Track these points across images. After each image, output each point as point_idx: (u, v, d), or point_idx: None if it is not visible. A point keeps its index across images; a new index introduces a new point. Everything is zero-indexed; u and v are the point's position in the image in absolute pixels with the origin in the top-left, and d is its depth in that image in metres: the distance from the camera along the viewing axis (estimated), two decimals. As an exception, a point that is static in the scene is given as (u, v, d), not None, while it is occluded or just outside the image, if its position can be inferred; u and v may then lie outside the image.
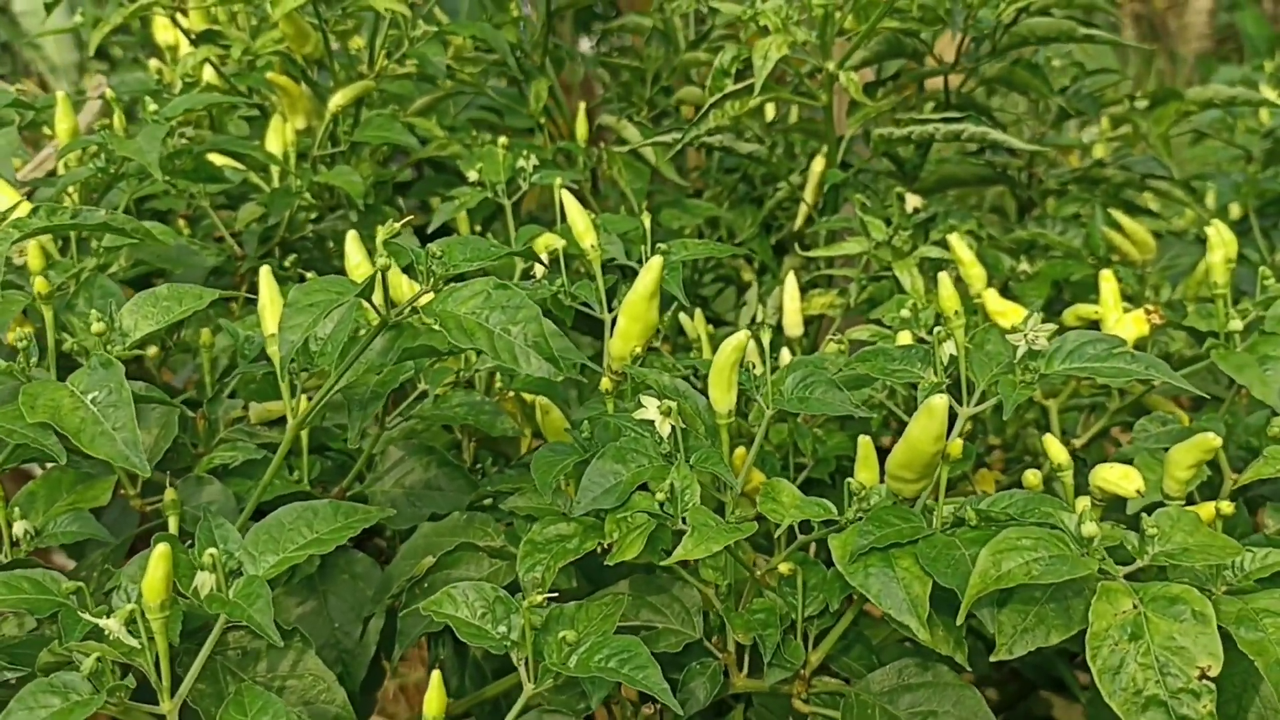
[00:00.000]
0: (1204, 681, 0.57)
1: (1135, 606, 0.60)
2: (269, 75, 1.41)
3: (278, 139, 1.41)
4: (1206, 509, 0.73)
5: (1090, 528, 0.62)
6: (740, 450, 0.88)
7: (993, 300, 1.04)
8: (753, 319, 1.33)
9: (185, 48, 1.52)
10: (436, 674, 0.66)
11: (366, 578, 1.03)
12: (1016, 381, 0.75)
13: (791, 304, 1.23)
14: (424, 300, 0.72)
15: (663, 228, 1.60)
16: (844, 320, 1.30)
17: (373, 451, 1.07)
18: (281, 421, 1.08)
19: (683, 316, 1.28)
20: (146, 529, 1.02)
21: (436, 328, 0.71)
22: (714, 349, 1.25)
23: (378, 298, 0.73)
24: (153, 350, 1.27)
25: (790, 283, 1.23)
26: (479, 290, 0.71)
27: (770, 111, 1.61)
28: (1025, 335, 0.75)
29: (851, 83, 1.19)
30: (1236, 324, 0.91)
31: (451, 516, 0.96)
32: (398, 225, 0.73)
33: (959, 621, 0.63)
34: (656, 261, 0.91)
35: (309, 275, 0.88)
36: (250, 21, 1.55)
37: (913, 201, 1.30)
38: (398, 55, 1.46)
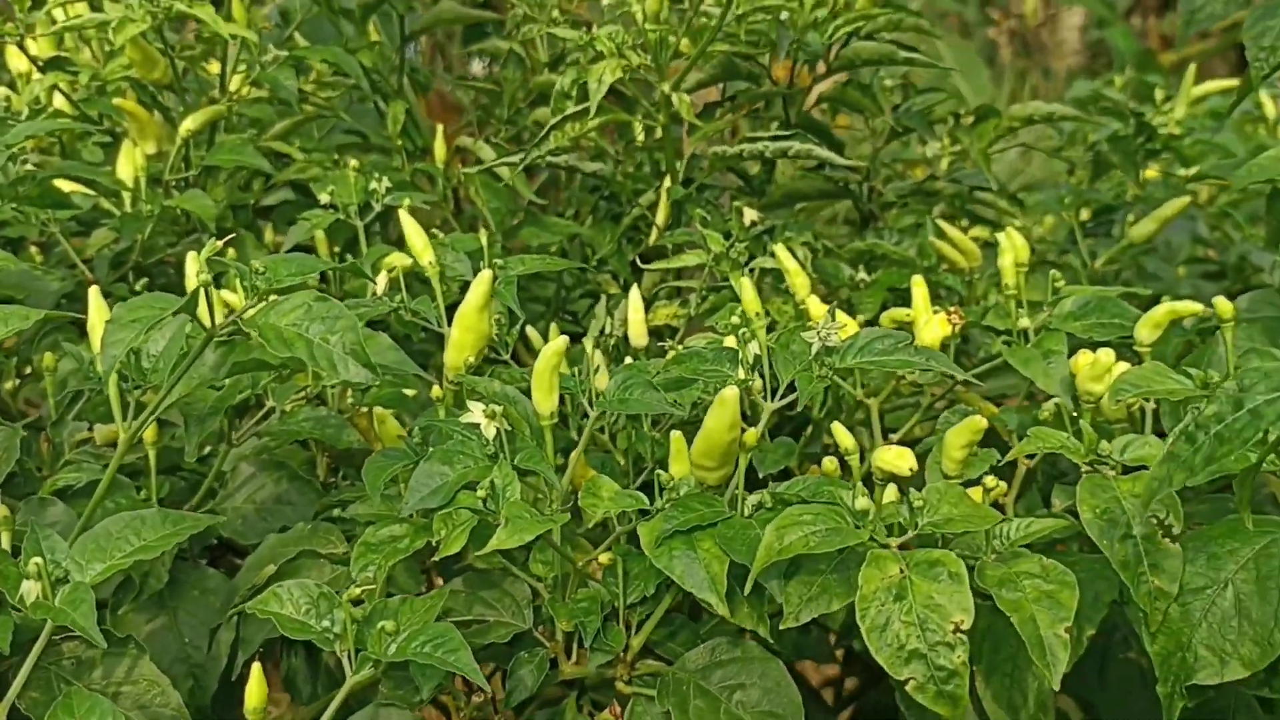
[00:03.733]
0: (958, 634, 0.64)
1: (901, 571, 0.66)
2: (116, 101, 1.42)
3: (128, 164, 1.42)
4: (977, 489, 0.80)
5: (862, 502, 0.69)
6: (577, 454, 0.93)
7: (814, 306, 1.11)
8: (601, 330, 1.38)
9: (17, 66, 1.51)
10: (256, 665, 0.69)
11: (218, 592, 1.04)
12: (814, 376, 0.81)
13: (635, 315, 1.28)
14: (249, 314, 0.76)
15: (524, 245, 1.64)
16: (688, 329, 1.36)
17: (223, 469, 1.09)
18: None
19: (530, 330, 1.32)
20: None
21: (259, 339, 0.74)
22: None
23: (204, 314, 0.76)
24: (8, 384, 1.28)
25: (634, 295, 1.28)
26: (299, 303, 0.74)
27: (640, 130, 1.67)
28: (820, 333, 0.81)
29: (684, 104, 1.26)
30: (1025, 322, 0.99)
31: (296, 527, 0.99)
32: (219, 244, 0.76)
33: (746, 590, 0.69)
34: (486, 275, 0.95)
35: (95, 289, 0.89)
36: (102, 48, 1.56)
37: (750, 215, 1.36)
38: (249, 80, 1.48)
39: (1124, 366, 0.89)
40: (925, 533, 0.70)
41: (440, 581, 0.94)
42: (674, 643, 0.86)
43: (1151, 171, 1.80)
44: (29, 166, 1.28)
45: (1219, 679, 0.67)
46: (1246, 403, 0.55)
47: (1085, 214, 1.71)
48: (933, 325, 1.04)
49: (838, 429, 0.80)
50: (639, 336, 1.29)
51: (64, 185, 1.39)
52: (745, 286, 1.25)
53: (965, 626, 0.64)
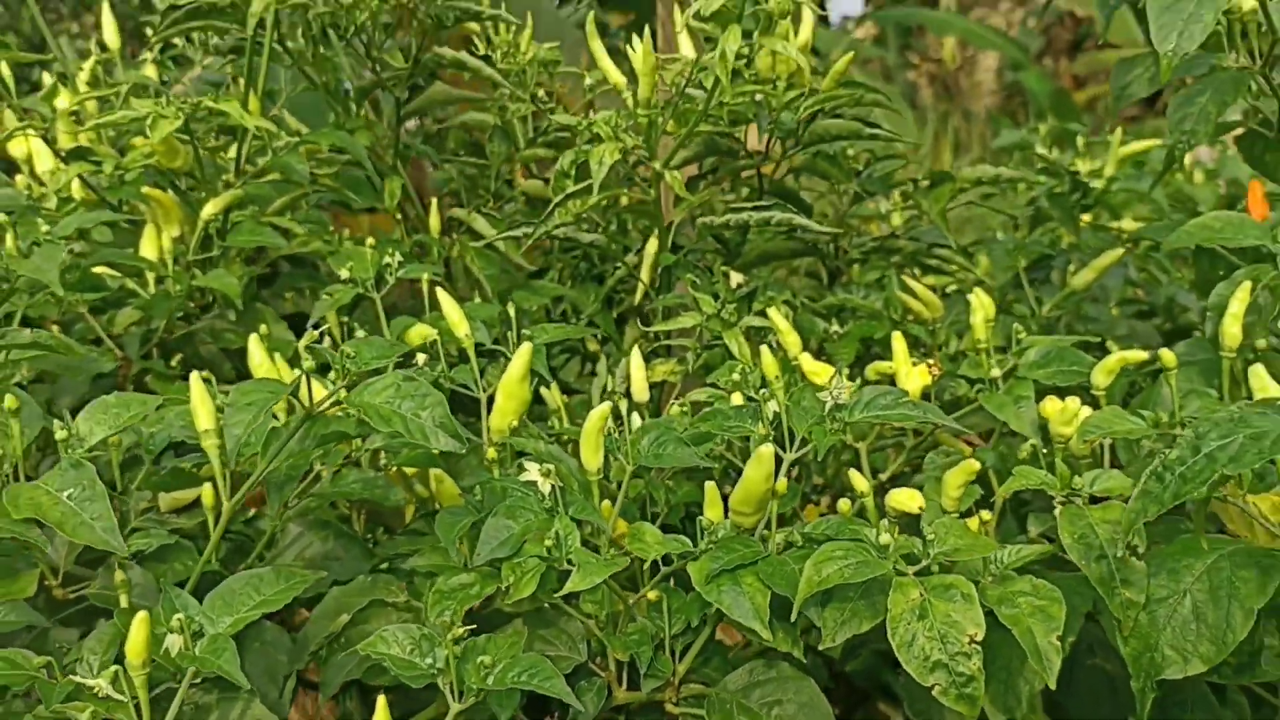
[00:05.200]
0: (973, 645, 0.77)
1: (921, 595, 0.79)
2: (145, 190, 1.52)
3: (153, 246, 1.52)
4: (974, 520, 0.93)
5: (885, 538, 0.81)
6: (606, 503, 1.05)
7: (807, 363, 1.24)
8: (604, 388, 1.50)
9: (42, 161, 1.60)
10: (381, 698, 0.80)
11: (275, 644, 1.14)
12: (827, 430, 0.94)
13: (638, 373, 1.40)
14: (342, 393, 0.87)
15: (515, 307, 1.76)
16: (684, 384, 1.49)
17: (274, 531, 1.19)
18: (190, 508, 1.19)
19: (541, 388, 1.44)
20: (64, 615, 1.12)
21: (352, 414, 0.85)
22: (570, 417, 1.42)
23: (301, 394, 0.87)
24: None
25: (635, 354, 1.41)
26: (390, 383, 0.86)
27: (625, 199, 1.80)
28: (831, 392, 0.94)
29: (675, 180, 1.39)
30: (996, 372, 1.13)
31: (357, 580, 1.09)
32: (315, 334, 0.87)
33: (793, 619, 0.81)
34: (526, 348, 1.07)
35: (196, 374, 1.00)
36: (119, 138, 1.66)
37: (736, 278, 1.50)
38: (262, 164, 1.59)
39: (1086, 410, 1.03)
40: (936, 560, 0.83)
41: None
42: (708, 668, 0.98)
43: (1084, 219, 1.98)
44: (72, 254, 1.38)
45: (1183, 673, 0.80)
46: (1203, 448, 0.69)
47: (1024, 261, 1.87)
48: (914, 376, 1.18)
49: (854, 475, 0.93)
50: (641, 392, 1.41)
51: (96, 269, 1.49)
52: (741, 344, 1.38)
53: (979, 638, 0.77)
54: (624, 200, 1.51)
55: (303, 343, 0.86)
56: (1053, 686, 0.79)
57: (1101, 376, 1.07)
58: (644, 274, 1.61)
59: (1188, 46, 0.99)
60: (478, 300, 1.77)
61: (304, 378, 0.84)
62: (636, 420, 1.26)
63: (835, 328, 1.60)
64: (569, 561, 0.89)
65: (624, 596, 0.94)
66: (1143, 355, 1.10)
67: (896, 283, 1.62)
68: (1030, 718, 0.91)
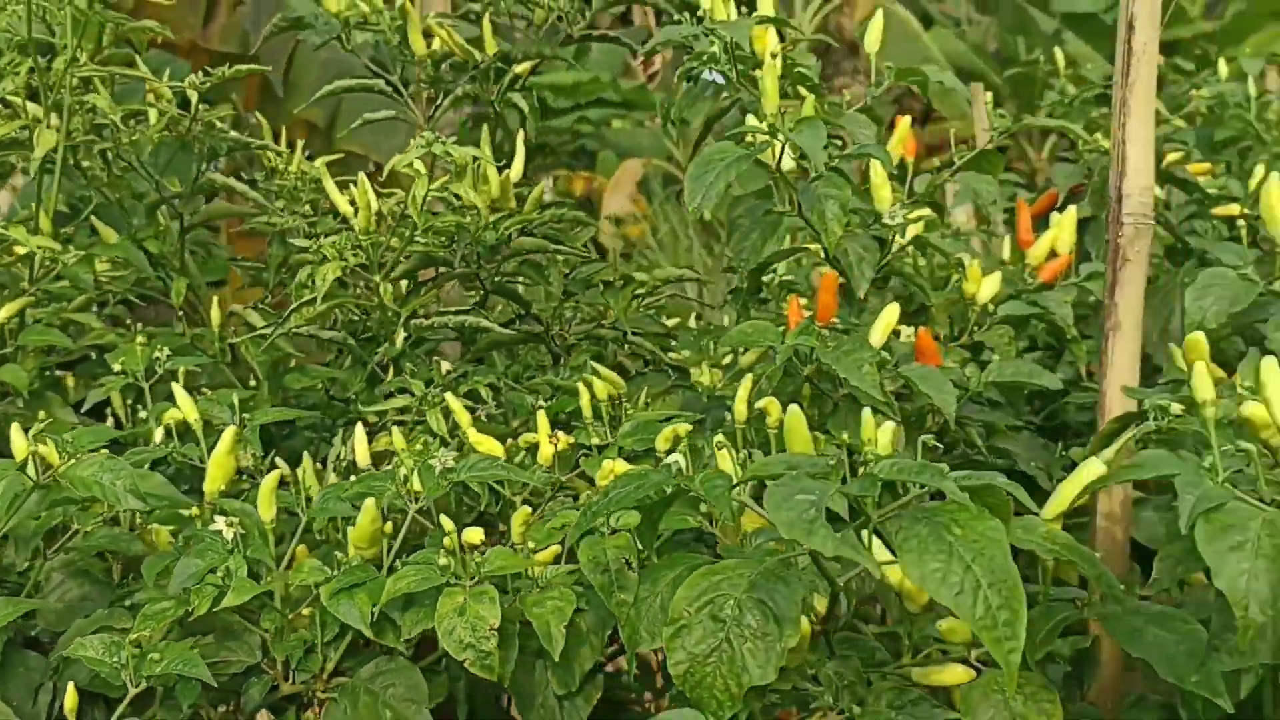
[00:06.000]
0: (492, 631, 1.12)
1: (464, 599, 1.15)
2: (-53, 298, 1.81)
3: (-46, 345, 1.81)
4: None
5: (444, 560, 1.17)
6: (302, 547, 1.38)
7: (472, 435, 1.60)
8: (337, 456, 1.84)
9: None
10: (70, 684, 1.11)
11: (37, 669, 1.44)
12: (438, 486, 1.30)
13: (360, 445, 1.74)
14: (61, 470, 1.19)
15: (289, 390, 2.10)
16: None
17: (39, 578, 1.50)
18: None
19: (279, 460, 1.77)
20: None
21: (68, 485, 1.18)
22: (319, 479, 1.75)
23: (33, 469, 1.19)
24: None
25: (358, 429, 1.75)
26: (98, 460, 1.19)
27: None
28: (440, 458, 1.30)
29: (387, 292, 1.75)
30: (596, 440, 1.51)
31: (96, 614, 1.40)
32: (41, 425, 1.19)
33: (369, 615, 1.16)
34: (230, 431, 1.41)
35: None
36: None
37: (445, 365, 1.86)
38: (53, 274, 1.90)
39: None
40: (484, 576, 1.18)
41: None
42: (352, 663, 1.32)
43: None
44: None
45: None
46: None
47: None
48: (546, 445, 1.55)
49: (446, 521, 1.28)
50: (363, 458, 1.76)
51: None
52: (439, 420, 1.74)
53: (496, 626, 1.13)
54: (351, 304, 1.86)
55: (34, 430, 1.18)
56: (556, 657, 1.15)
57: (661, 443, 1.45)
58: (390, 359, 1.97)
59: (707, 205, 1.39)
60: (252, 381, 2.11)
61: (31, 457, 1.17)
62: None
63: (541, 403, 1.97)
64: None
65: (284, 612, 1.28)
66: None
67: (588, 368, 2.00)
68: (588, 690, 1.28)
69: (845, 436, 0.96)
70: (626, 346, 2.25)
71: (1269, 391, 1.03)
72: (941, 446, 1.50)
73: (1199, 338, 1.10)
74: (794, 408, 1.05)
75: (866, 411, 1.09)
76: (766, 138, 1.43)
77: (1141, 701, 1.27)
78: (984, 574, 0.87)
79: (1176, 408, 1.08)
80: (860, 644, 1.30)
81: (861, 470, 0.92)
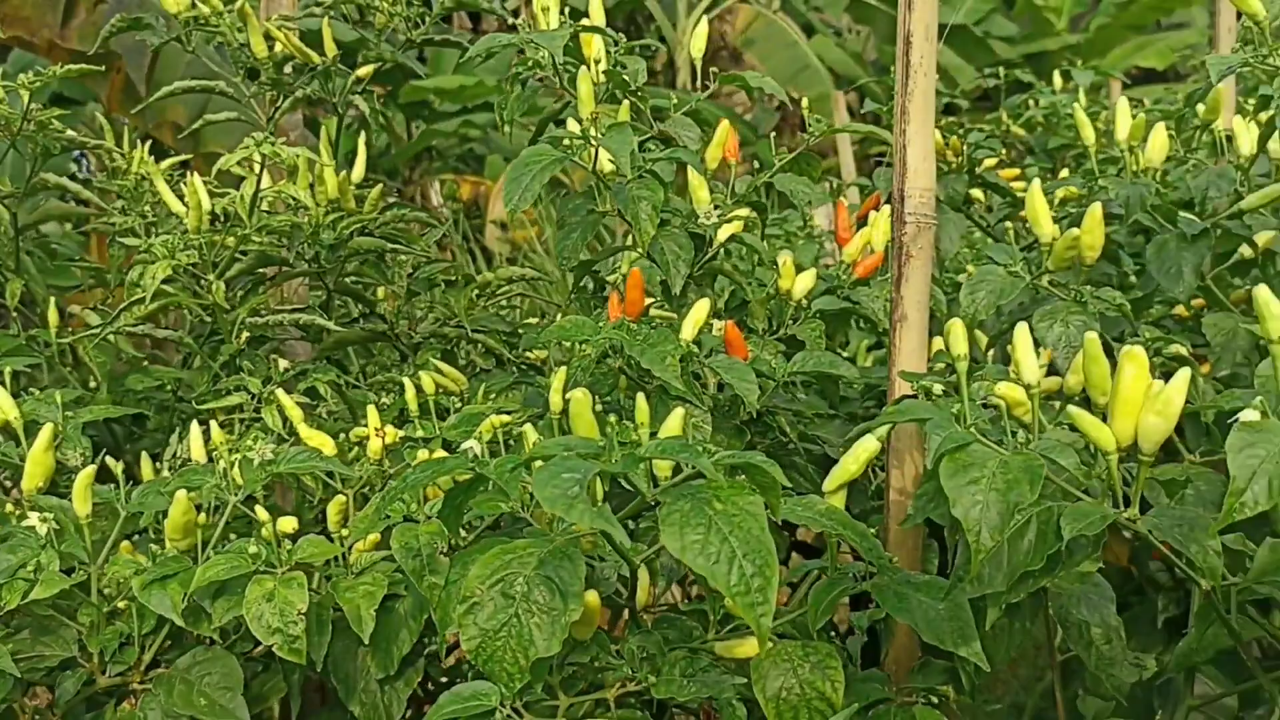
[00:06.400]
0: (300, 615, 1.16)
1: (274, 585, 1.18)
2: None
3: None
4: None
5: (254, 549, 1.21)
6: (127, 543, 1.40)
7: (303, 430, 1.63)
8: (174, 454, 1.84)
9: None
10: None
11: None
12: (257, 479, 1.33)
13: (196, 441, 1.76)
14: None
15: (133, 390, 2.10)
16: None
17: None
18: None
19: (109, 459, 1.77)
20: None
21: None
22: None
23: None
24: None
25: (194, 427, 1.76)
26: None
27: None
28: (258, 450, 1.33)
29: (219, 290, 1.77)
30: (421, 433, 1.55)
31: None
32: None
33: (180, 605, 1.19)
34: (48, 429, 1.42)
35: None
36: None
37: (283, 364, 1.88)
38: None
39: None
40: (294, 562, 1.22)
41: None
42: (176, 654, 1.34)
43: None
44: None
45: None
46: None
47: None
48: (375, 439, 1.59)
49: (260, 512, 1.32)
50: (198, 455, 1.77)
51: None
52: (274, 417, 1.76)
53: (304, 611, 1.16)
54: (183, 303, 1.87)
55: None
56: (365, 640, 1.19)
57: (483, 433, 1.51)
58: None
59: (524, 205, 1.45)
60: (93, 382, 2.10)
61: None
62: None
63: (384, 400, 2.00)
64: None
65: (99, 605, 1.29)
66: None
67: (431, 366, 2.04)
68: (408, 673, 1.32)
69: (616, 421, 1.03)
70: (476, 345, 2.31)
71: (1019, 353, 1.13)
72: (750, 433, 1.60)
73: (957, 323, 1.19)
74: (577, 393, 1.11)
75: (680, 408, 1.18)
76: (581, 141, 1.49)
77: (926, 665, 1.37)
78: (740, 545, 0.95)
79: (938, 388, 1.18)
80: (678, 621, 1.38)
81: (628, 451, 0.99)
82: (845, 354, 2.18)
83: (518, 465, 1.01)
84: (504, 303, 2.40)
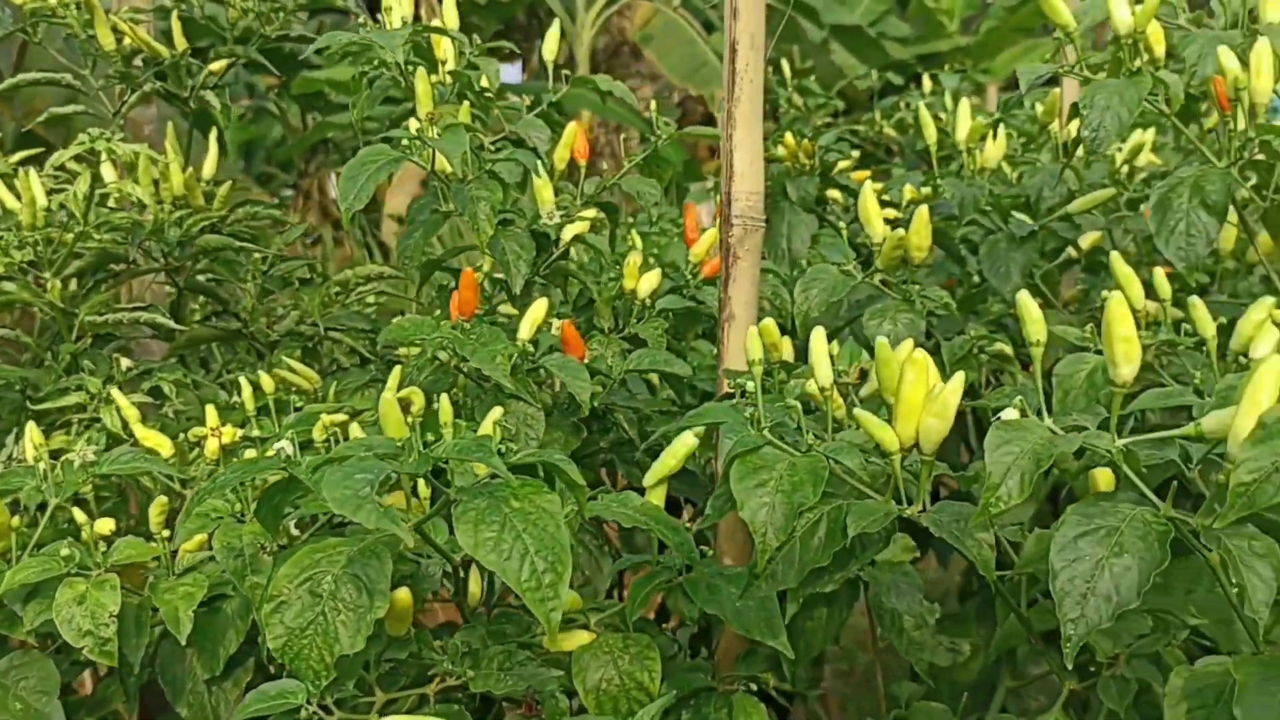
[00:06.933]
0: (112, 618, 1.16)
1: (86, 588, 1.18)
2: None
3: None
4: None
5: (65, 551, 1.20)
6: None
7: (139, 430, 1.61)
8: (9, 455, 1.81)
9: None
10: None
11: None
12: (81, 480, 1.32)
13: (30, 443, 1.72)
14: None
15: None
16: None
17: None
18: None
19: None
20: None
21: None
22: None
23: None
24: None
25: (30, 427, 1.72)
26: None
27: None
28: (79, 452, 1.32)
29: (55, 289, 1.74)
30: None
31: None
32: None
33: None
34: None
35: None
36: None
37: (126, 363, 1.86)
38: None
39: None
40: (111, 565, 1.22)
41: None
42: (-3, 662, 1.32)
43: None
44: None
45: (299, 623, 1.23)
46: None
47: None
48: (212, 440, 1.58)
49: (78, 513, 1.30)
50: (33, 456, 1.74)
51: None
52: (113, 418, 1.74)
53: (116, 613, 1.16)
54: (18, 301, 1.84)
55: None
56: (183, 641, 1.19)
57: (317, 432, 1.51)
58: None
59: (359, 204, 1.46)
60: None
61: None
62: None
63: (236, 399, 1.98)
64: None
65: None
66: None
67: (283, 364, 2.03)
68: (236, 674, 1.32)
69: (430, 421, 1.05)
70: (341, 344, 2.30)
71: (814, 356, 1.18)
72: (590, 431, 1.63)
73: (770, 323, 1.23)
74: (385, 396, 1.13)
75: (497, 408, 1.20)
76: (418, 141, 1.50)
77: (751, 654, 1.41)
78: (533, 542, 0.97)
79: (750, 385, 1.22)
80: (516, 617, 1.40)
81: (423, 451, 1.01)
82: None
83: (319, 466, 1.02)
84: (370, 299, 2.39)
